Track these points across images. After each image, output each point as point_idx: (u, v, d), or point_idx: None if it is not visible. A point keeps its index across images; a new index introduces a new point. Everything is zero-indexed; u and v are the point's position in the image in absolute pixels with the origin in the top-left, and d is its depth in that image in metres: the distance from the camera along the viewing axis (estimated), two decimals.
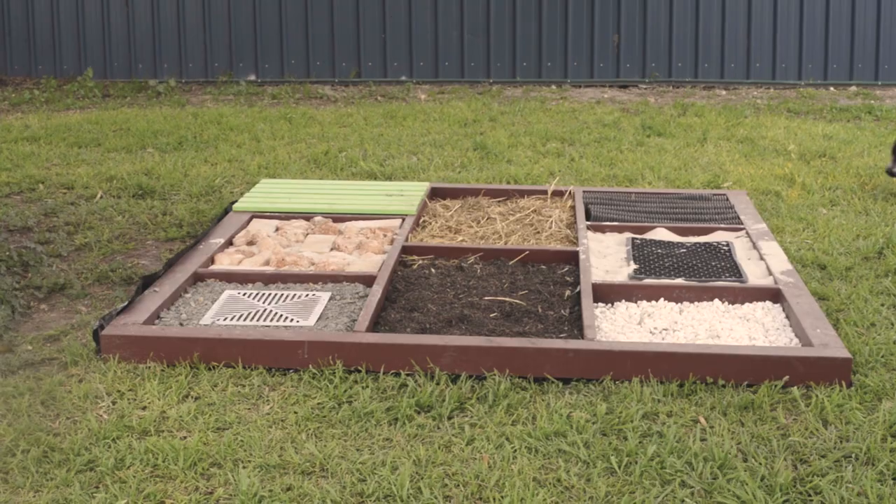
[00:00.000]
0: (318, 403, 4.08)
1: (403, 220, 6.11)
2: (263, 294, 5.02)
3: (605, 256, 5.54)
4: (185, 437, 3.84)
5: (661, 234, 5.84)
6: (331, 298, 4.96)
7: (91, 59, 12.09)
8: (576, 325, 4.68)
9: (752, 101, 10.92)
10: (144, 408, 4.07)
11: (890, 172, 6.99)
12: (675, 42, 11.90)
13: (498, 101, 10.92)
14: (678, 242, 5.68)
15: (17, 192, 7.26)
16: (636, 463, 3.65)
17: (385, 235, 5.86)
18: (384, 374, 4.31)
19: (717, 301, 4.96)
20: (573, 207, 6.40)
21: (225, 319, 4.71)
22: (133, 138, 8.88)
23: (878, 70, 11.87)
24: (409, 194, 6.52)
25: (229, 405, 4.07)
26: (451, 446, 3.79)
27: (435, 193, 6.77)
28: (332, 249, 5.69)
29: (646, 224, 5.96)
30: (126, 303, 4.75)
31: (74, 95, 11.31)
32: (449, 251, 5.58)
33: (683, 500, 3.45)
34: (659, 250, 5.53)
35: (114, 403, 4.10)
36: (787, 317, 4.78)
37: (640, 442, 3.79)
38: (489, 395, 4.13)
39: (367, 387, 4.21)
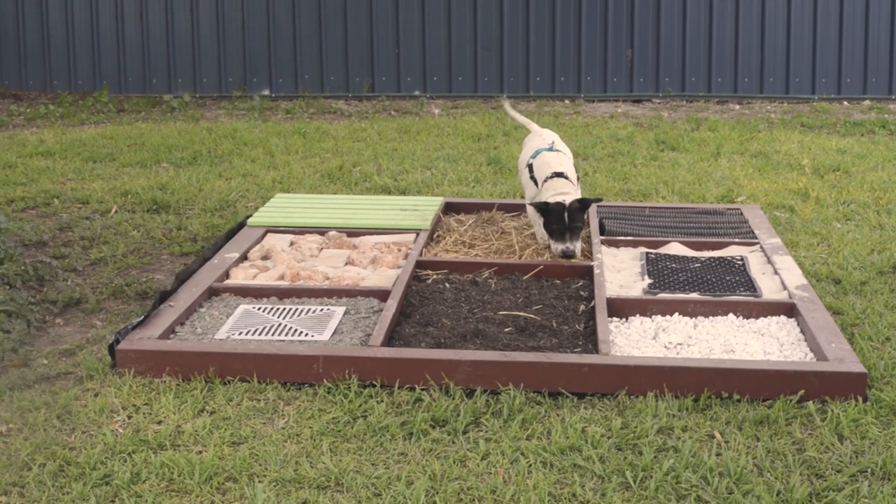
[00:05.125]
0: (333, 418, 4.09)
1: (418, 234, 6.11)
2: (278, 308, 5.03)
3: (620, 271, 5.54)
4: (200, 452, 3.85)
5: (676, 248, 5.84)
6: (345, 313, 4.97)
7: (106, 75, 12.15)
8: (590, 340, 4.68)
9: (765, 116, 10.91)
10: (160, 422, 4.08)
11: None
12: (689, 57, 11.90)
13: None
14: (692, 257, 5.67)
15: (32, 207, 7.29)
16: (651, 478, 3.65)
17: (399, 250, 5.86)
18: (399, 388, 4.32)
19: (731, 315, 4.95)
20: (587, 222, 6.39)
21: (240, 334, 4.72)
22: (147, 153, 8.91)
23: (892, 84, 11.85)
24: (423, 209, 6.53)
25: (244, 419, 4.08)
26: (466, 461, 3.79)
27: (449, 208, 6.77)
28: (346, 264, 5.70)
29: (660, 238, 5.96)
30: (142, 317, 4.76)
31: (89, 110, 11.35)
32: (463, 266, 5.59)
33: None
34: (673, 265, 5.53)
35: (129, 418, 4.11)
36: (802, 331, 4.77)
37: (655, 456, 3.79)
38: (504, 409, 4.13)
39: (382, 401, 4.21)
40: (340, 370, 4.35)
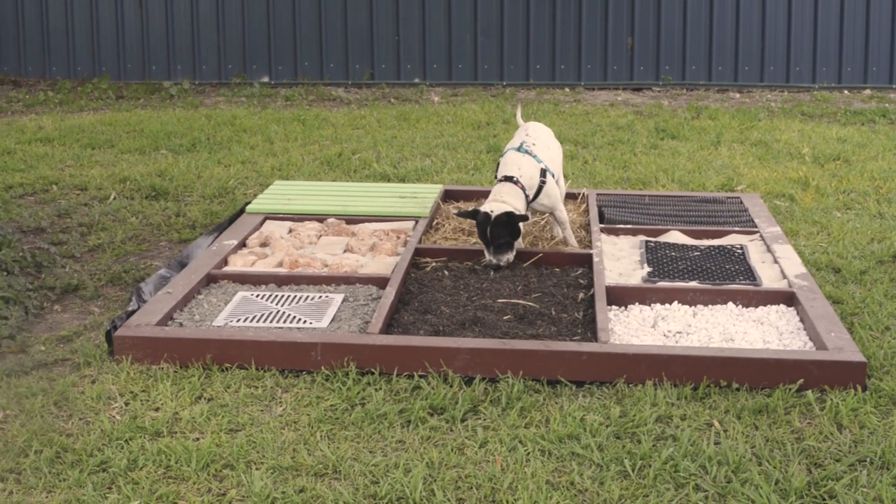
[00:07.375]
0: (331, 405, 4.08)
1: (416, 222, 6.10)
2: (276, 296, 5.01)
3: (619, 259, 5.53)
4: (197, 439, 3.84)
5: (675, 236, 5.82)
6: (344, 300, 4.96)
7: (105, 61, 12.12)
8: (589, 328, 4.67)
9: (765, 104, 10.89)
10: (157, 409, 4.07)
11: None
12: (689, 45, 11.87)
13: (511, 103, 10.91)
14: (692, 245, 5.66)
15: (30, 193, 7.27)
16: (650, 466, 3.64)
17: (398, 237, 5.85)
18: (397, 376, 4.31)
19: (731, 304, 4.94)
20: (587, 210, 6.39)
21: (238, 321, 4.71)
22: (146, 140, 8.89)
23: (893, 73, 11.83)
24: (422, 196, 6.51)
25: (242, 406, 4.07)
26: (464, 449, 3.78)
27: (448, 195, 6.76)
28: (345, 251, 5.69)
29: (659, 227, 5.95)
30: (138, 304, 4.75)
31: (88, 97, 11.33)
32: (462, 253, 5.57)
33: None
34: (673, 253, 5.52)
35: (126, 404, 4.10)
36: (802, 320, 4.76)
37: (653, 445, 3.78)
38: (502, 397, 4.12)
39: (381, 389, 4.20)
40: (339, 357, 4.34)
